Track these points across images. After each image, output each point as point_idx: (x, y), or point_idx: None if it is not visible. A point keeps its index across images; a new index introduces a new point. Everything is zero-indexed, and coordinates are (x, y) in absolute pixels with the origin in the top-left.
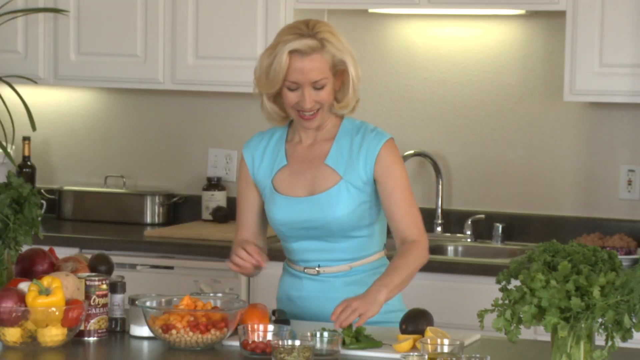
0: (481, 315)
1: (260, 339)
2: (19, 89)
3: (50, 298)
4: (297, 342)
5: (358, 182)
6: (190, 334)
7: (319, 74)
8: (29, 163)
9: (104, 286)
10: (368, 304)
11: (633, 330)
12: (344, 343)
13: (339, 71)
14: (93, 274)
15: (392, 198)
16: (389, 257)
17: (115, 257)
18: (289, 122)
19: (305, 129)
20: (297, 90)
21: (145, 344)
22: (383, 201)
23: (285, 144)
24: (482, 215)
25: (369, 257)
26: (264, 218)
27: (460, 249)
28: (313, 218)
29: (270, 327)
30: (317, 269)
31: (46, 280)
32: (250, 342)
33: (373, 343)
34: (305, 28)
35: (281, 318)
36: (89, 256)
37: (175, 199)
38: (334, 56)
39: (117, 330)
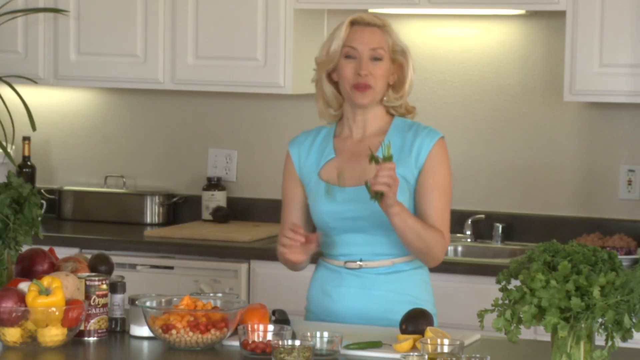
0: (481, 315)
1: (260, 339)
2: (19, 89)
3: (50, 298)
4: (297, 342)
5: (408, 176)
6: (190, 334)
7: (378, 43)
8: (29, 163)
9: (104, 286)
10: (395, 185)
11: (633, 330)
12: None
13: (396, 62)
14: (93, 274)
15: (430, 197)
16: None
17: (115, 257)
18: (336, 123)
19: (354, 120)
20: (354, 60)
21: (145, 344)
22: (419, 197)
23: (333, 138)
24: (482, 215)
25: (411, 255)
26: (308, 216)
27: (460, 249)
28: (360, 207)
29: (270, 327)
30: (359, 262)
31: (46, 280)
32: (250, 342)
33: (373, 343)
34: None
35: (281, 318)
36: (89, 256)
37: (175, 199)
38: (395, 43)
39: (117, 330)
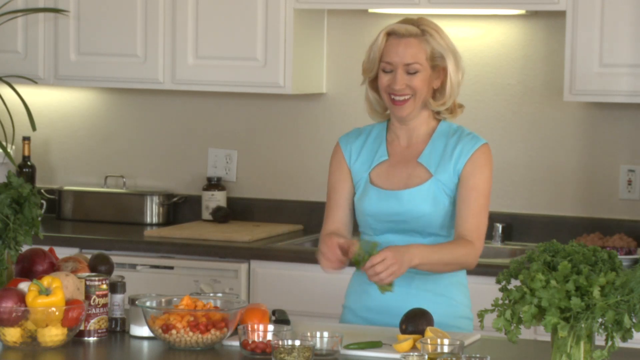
0: (481, 315)
1: (260, 339)
2: (19, 89)
3: (50, 298)
4: (297, 342)
5: (447, 181)
6: (190, 334)
7: (413, 57)
8: (29, 163)
9: (104, 286)
10: (401, 265)
11: (633, 330)
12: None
13: (439, 67)
14: (93, 274)
15: (467, 198)
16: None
17: (115, 257)
18: (387, 122)
19: (400, 127)
20: (390, 73)
21: (145, 344)
22: (458, 199)
23: (385, 140)
24: None
25: None
26: (352, 210)
27: None
28: (401, 211)
29: (270, 327)
30: None
31: (46, 280)
32: (250, 342)
33: (373, 343)
34: (411, 20)
35: (281, 318)
36: (89, 256)
37: (175, 199)
38: (434, 49)
39: (117, 330)
